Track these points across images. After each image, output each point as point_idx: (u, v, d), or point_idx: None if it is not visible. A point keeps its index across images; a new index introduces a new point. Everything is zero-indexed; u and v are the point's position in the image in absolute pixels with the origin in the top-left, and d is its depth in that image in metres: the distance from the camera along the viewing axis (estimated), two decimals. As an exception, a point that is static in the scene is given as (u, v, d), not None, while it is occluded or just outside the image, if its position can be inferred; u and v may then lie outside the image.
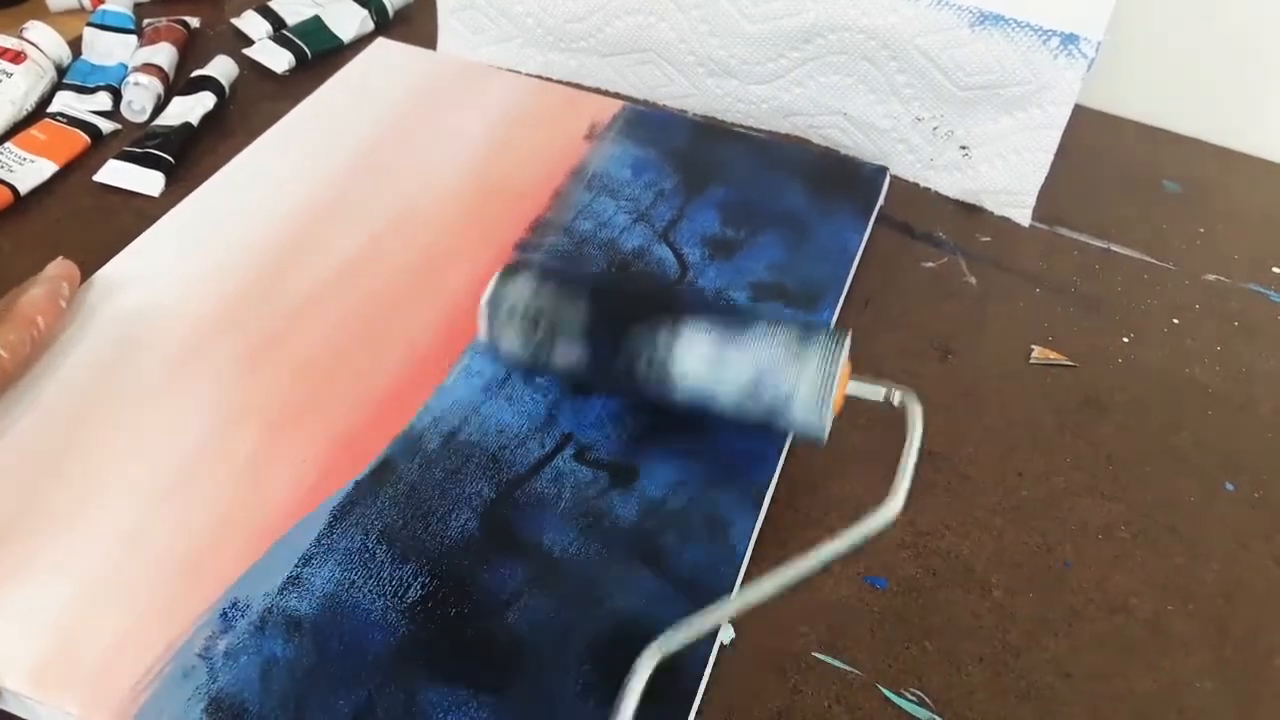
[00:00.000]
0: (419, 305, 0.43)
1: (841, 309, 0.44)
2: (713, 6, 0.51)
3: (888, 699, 0.33)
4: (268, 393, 0.39)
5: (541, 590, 0.33)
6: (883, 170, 0.52)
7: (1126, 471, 0.40)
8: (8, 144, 0.49)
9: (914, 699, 0.33)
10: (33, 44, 0.53)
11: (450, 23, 0.58)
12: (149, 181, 0.48)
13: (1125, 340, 0.46)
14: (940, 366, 0.44)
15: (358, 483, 0.36)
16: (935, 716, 0.32)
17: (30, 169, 0.48)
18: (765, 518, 0.37)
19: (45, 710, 0.30)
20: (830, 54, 0.51)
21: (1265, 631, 0.36)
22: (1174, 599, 0.36)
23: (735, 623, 0.34)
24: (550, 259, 0.45)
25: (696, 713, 0.31)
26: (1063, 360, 0.45)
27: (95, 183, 0.48)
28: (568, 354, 0.37)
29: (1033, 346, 0.45)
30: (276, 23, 0.60)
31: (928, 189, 0.53)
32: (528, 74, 0.57)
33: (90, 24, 0.56)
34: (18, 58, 0.52)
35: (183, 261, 0.44)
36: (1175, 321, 0.47)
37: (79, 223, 0.47)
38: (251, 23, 0.60)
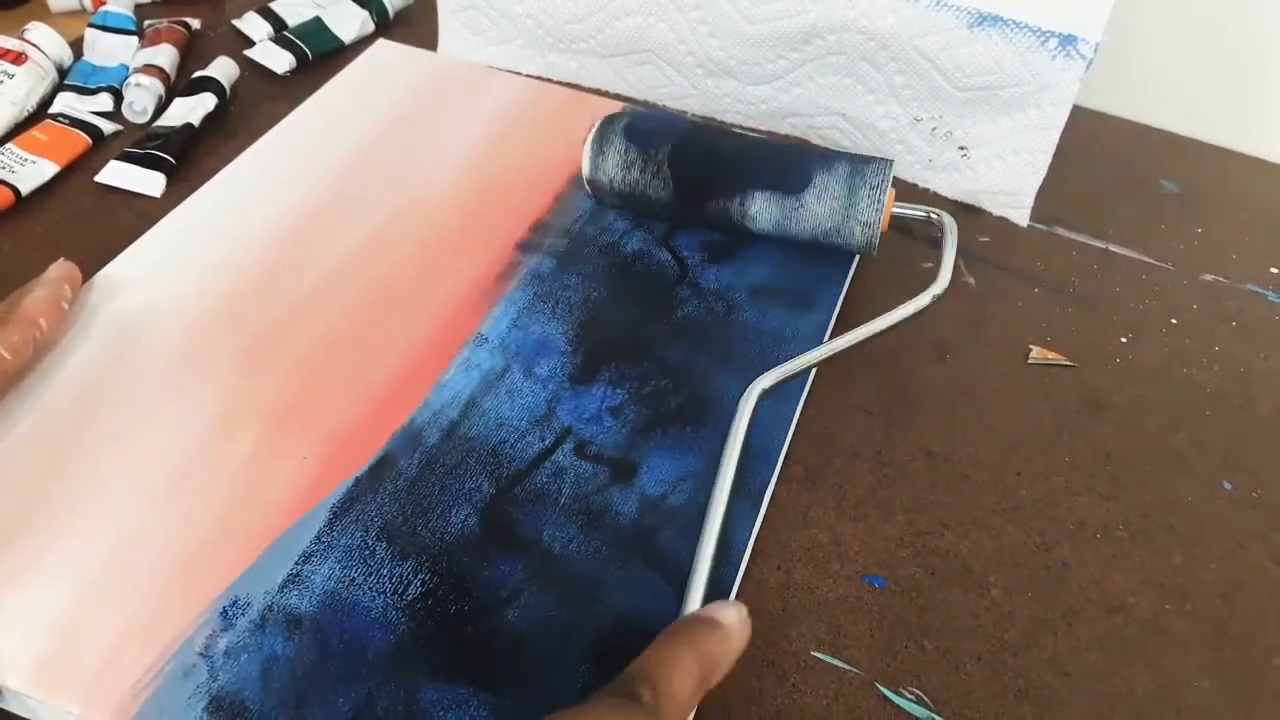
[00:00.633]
0: (418, 303, 0.43)
1: (840, 310, 0.44)
2: (712, 7, 0.51)
3: (886, 698, 0.33)
4: (268, 390, 0.39)
5: (541, 587, 0.33)
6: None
7: (1125, 471, 0.40)
8: (9, 145, 0.49)
9: (912, 698, 0.33)
10: (34, 45, 0.54)
11: (450, 24, 0.58)
12: (150, 182, 0.49)
13: (1123, 340, 0.46)
14: (939, 366, 0.44)
15: (358, 479, 0.36)
16: (934, 715, 0.33)
17: (32, 170, 0.48)
18: (764, 517, 0.37)
19: (46, 709, 0.30)
20: (829, 55, 0.51)
21: (1263, 631, 0.36)
22: (1172, 598, 0.36)
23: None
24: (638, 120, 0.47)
25: (695, 712, 0.31)
26: (1061, 360, 0.45)
27: (96, 183, 0.49)
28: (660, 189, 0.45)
29: (1031, 346, 0.45)
30: (277, 24, 0.60)
31: (926, 189, 0.53)
32: (528, 75, 0.57)
33: (91, 25, 0.56)
34: (19, 59, 0.52)
35: (183, 262, 0.44)
36: (1173, 321, 0.47)
37: (80, 223, 0.47)
38: (252, 24, 0.60)
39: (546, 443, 0.38)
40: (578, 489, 0.36)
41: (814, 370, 0.41)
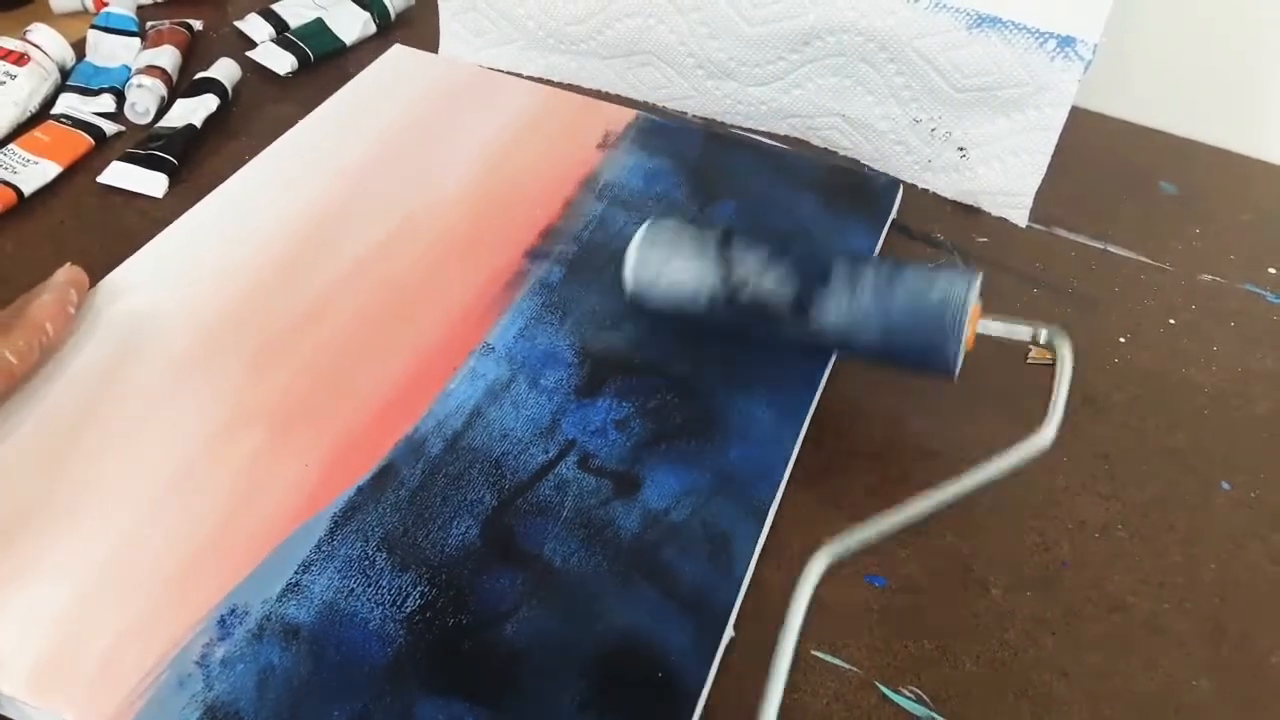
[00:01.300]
0: (426, 310, 0.43)
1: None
2: (712, 9, 0.51)
3: (886, 697, 0.33)
4: (271, 397, 0.39)
5: (541, 602, 0.33)
6: (895, 183, 0.52)
7: (1124, 471, 0.41)
8: (12, 145, 0.49)
9: (912, 697, 0.33)
10: (36, 46, 0.54)
11: (452, 25, 0.58)
12: (152, 183, 0.49)
13: (1122, 340, 0.46)
14: (939, 367, 0.44)
15: (360, 487, 0.36)
16: (934, 714, 0.33)
17: (34, 170, 0.48)
18: (769, 531, 0.37)
19: (41, 715, 0.30)
20: (829, 56, 0.51)
21: (1262, 630, 0.36)
22: (1171, 598, 0.37)
23: (734, 622, 0.34)
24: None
25: (701, 709, 0.31)
26: (1060, 361, 0.45)
27: (99, 184, 0.49)
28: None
29: (1030, 346, 0.45)
30: (279, 25, 0.60)
31: (926, 190, 0.53)
32: (528, 76, 0.58)
33: (94, 26, 0.56)
34: (21, 60, 0.52)
35: (190, 267, 0.44)
36: (1172, 322, 0.47)
37: (82, 224, 0.47)
38: (254, 25, 0.60)
39: (550, 455, 0.37)
40: (580, 502, 0.36)
41: (823, 383, 0.40)
